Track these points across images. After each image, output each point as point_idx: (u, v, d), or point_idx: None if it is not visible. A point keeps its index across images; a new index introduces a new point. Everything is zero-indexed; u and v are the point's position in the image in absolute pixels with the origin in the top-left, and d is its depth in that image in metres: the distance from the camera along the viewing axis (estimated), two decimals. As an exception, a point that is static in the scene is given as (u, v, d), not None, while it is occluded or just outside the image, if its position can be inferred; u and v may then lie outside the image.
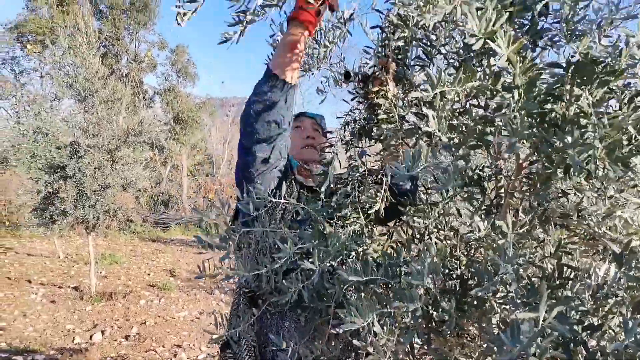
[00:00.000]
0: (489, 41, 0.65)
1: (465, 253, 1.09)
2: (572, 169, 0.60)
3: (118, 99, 6.48)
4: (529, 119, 0.67)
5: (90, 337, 4.96)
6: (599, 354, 0.60)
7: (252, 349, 1.41)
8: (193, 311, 6.16)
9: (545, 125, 0.69)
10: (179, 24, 1.03)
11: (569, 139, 0.58)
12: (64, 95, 6.37)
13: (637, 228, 0.89)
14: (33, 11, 14.87)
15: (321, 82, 1.31)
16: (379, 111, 1.13)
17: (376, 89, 1.15)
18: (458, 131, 0.79)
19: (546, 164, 0.71)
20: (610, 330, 0.66)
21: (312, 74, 1.31)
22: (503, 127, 0.79)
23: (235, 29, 1.17)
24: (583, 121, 0.66)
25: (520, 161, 0.93)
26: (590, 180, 0.86)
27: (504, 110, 0.73)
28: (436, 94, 0.72)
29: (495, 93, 0.72)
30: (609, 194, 0.86)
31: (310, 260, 0.97)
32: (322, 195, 1.17)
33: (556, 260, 0.74)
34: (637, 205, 0.91)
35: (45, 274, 7.68)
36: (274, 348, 1.36)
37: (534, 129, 0.67)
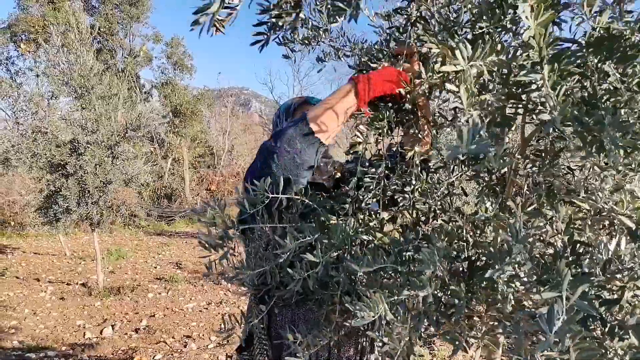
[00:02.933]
0: (526, 9, 0.61)
1: (472, 234, 1.08)
2: (607, 148, 0.57)
3: (115, 94, 6.44)
4: (566, 96, 0.64)
5: (101, 331, 5.00)
6: (617, 329, 0.59)
7: (265, 347, 1.40)
8: (201, 302, 6.20)
9: (575, 102, 0.67)
10: (218, 30, 0.91)
11: (609, 118, 0.55)
12: (60, 93, 6.34)
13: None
14: (24, 10, 14.74)
15: (322, 51, 1.27)
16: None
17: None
18: (483, 108, 0.77)
19: (558, 140, 0.69)
20: (627, 304, 0.65)
21: (312, 48, 1.26)
22: (536, 105, 0.77)
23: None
24: (612, 99, 0.64)
25: (527, 137, 0.91)
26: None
27: (534, 86, 0.71)
28: (467, 67, 0.70)
29: (513, 68, 0.70)
30: (618, 169, 0.84)
31: (313, 252, 0.96)
32: (348, 185, 1.15)
33: (567, 237, 0.72)
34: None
35: (53, 271, 7.73)
36: (286, 342, 1.36)
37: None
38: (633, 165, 0.84)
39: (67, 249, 9.07)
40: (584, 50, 0.66)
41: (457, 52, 0.73)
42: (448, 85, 0.77)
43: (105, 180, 6.20)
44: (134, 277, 7.60)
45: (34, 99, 6.39)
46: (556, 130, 0.75)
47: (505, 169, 1.03)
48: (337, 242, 0.96)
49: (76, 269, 7.99)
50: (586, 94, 0.67)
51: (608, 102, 0.64)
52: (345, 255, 1.01)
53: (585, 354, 0.44)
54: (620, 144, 0.54)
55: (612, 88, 0.65)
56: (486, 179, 1.00)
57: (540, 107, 0.76)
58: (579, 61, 0.67)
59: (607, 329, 0.60)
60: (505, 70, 0.77)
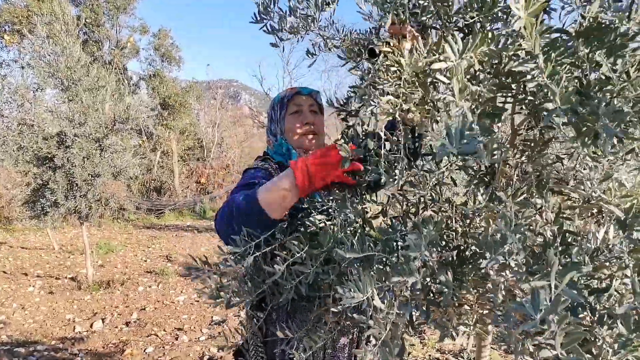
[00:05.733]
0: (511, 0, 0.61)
1: (461, 224, 1.08)
2: (600, 137, 0.57)
3: (102, 86, 6.36)
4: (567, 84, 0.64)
5: (91, 325, 4.98)
6: (606, 317, 0.60)
7: (260, 354, 1.41)
8: (192, 294, 6.19)
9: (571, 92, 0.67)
10: None
11: (603, 107, 0.56)
12: (46, 85, 6.24)
13: (631, 191, 0.89)
14: (7, 0, 14.44)
15: (312, 44, 1.25)
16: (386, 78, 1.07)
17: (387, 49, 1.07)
18: (473, 99, 0.76)
19: (546, 129, 0.70)
20: (616, 293, 0.66)
21: (301, 37, 1.24)
22: (527, 94, 0.77)
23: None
24: (605, 88, 0.64)
25: (516, 127, 0.91)
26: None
27: (529, 77, 0.71)
28: (459, 61, 0.69)
29: (504, 58, 0.70)
30: (606, 158, 0.85)
31: (303, 263, 0.97)
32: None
33: (557, 227, 0.73)
34: (633, 167, 0.91)
35: (42, 266, 7.66)
36: (282, 348, 1.36)
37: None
38: (621, 154, 0.85)
39: (56, 243, 8.98)
40: (574, 40, 0.66)
41: (447, 46, 0.73)
42: (439, 77, 0.77)
43: (94, 173, 6.14)
44: (124, 270, 7.56)
45: (19, 91, 6.29)
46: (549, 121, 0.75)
47: (495, 159, 1.03)
48: (326, 248, 0.96)
49: (65, 263, 7.92)
50: (579, 84, 0.67)
51: (601, 92, 0.65)
52: (335, 255, 1.01)
53: (571, 338, 0.44)
54: (615, 133, 0.54)
55: (603, 77, 0.65)
56: (475, 168, 1.00)
57: (530, 97, 0.76)
58: (570, 50, 0.67)
59: (596, 318, 0.61)
60: (495, 60, 0.77)
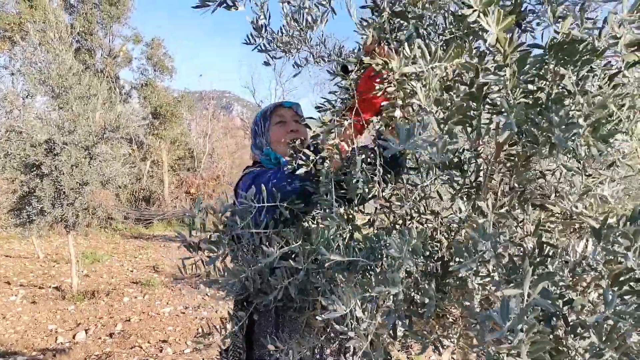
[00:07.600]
0: (481, 17, 0.64)
1: (446, 236, 1.09)
2: (556, 148, 0.60)
3: (93, 94, 6.33)
4: (522, 98, 0.66)
5: (74, 336, 4.89)
6: (579, 328, 0.61)
7: (238, 350, 1.41)
8: (178, 306, 6.12)
9: (530, 104, 0.69)
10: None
11: (555, 118, 0.58)
12: (37, 92, 6.21)
13: (612, 206, 0.91)
14: None
15: (304, 58, 1.28)
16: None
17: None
18: (444, 107, 0.79)
19: (528, 144, 0.71)
20: (590, 304, 0.67)
21: (292, 55, 1.27)
22: (494, 105, 0.79)
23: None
24: (567, 100, 0.66)
25: (500, 142, 0.93)
26: (571, 159, 0.87)
27: (496, 88, 0.73)
28: (428, 69, 0.71)
29: (480, 71, 0.72)
30: (587, 173, 0.87)
31: (295, 259, 0.97)
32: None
33: (536, 239, 0.74)
34: (614, 180, 0.93)
35: (25, 275, 7.53)
36: (268, 351, 1.37)
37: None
38: (603, 169, 0.87)
39: (41, 251, 8.85)
40: (546, 54, 0.69)
41: (418, 51, 0.75)
42: (412, 83, 0.79)
43: (82, 181, 6.08)
44: (110, 280, 7.45)
45: (8, 98, 6.25)
46: (518, 134, 0.77)
47: (481, 174, 1.05)
48: (317, 245, 0.96)
49: (49, 272, 7.80)
50: (542, 96, 0.69)
51: (560, 104, 0.67)
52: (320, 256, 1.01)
53: (537, 347, 0.45)
54: (566, 144, 0.57)
55: (566, 91, 0.68)
56: (460, 182, 1.01)
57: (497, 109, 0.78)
58: (539, 65, 0.70)
59: (569, 328, 0.62)
60: (472, 74, 0.79)
